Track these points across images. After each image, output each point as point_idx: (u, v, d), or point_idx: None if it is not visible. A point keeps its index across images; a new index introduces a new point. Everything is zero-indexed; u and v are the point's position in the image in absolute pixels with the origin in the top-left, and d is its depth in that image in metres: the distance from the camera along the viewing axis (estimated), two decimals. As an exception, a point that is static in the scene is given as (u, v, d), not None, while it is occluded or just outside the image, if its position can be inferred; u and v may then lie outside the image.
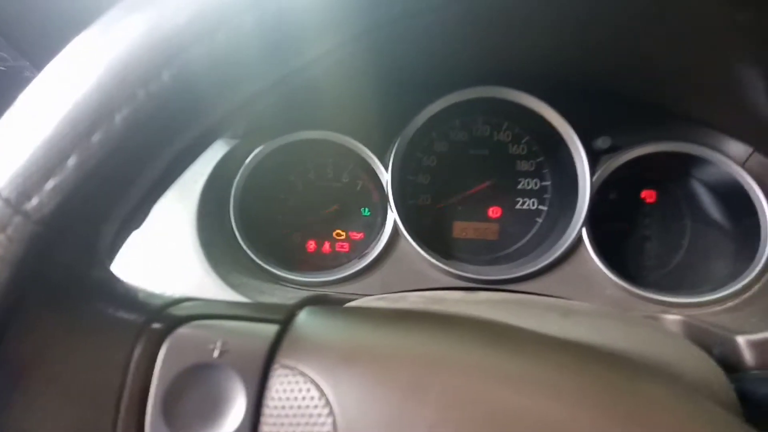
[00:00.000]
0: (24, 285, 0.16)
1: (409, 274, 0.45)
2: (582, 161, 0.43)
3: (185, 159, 0.19)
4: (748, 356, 0.34)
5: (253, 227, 0.46)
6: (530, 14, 0.28)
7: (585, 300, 0.41)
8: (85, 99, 0.15)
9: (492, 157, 0.51)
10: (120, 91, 0.15)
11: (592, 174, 0.43)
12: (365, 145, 0.46)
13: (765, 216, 0.40)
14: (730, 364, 0.34)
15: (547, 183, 0.51)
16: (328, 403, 0.17)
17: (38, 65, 0.56)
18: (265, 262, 0.44)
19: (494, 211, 0.51)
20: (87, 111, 0.15)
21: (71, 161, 0.15)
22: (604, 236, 0.48)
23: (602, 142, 0.43)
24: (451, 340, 0.22)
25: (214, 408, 0.17)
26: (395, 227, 0.45)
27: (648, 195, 0.49)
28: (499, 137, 0.51)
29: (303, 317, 0.20)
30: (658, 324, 0.37)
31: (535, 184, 0.51)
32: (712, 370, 0.30)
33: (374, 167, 0.46)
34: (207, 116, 0.17)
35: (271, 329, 0.19)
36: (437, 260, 0.44)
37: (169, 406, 0.17)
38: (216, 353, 0.18)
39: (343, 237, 0.51)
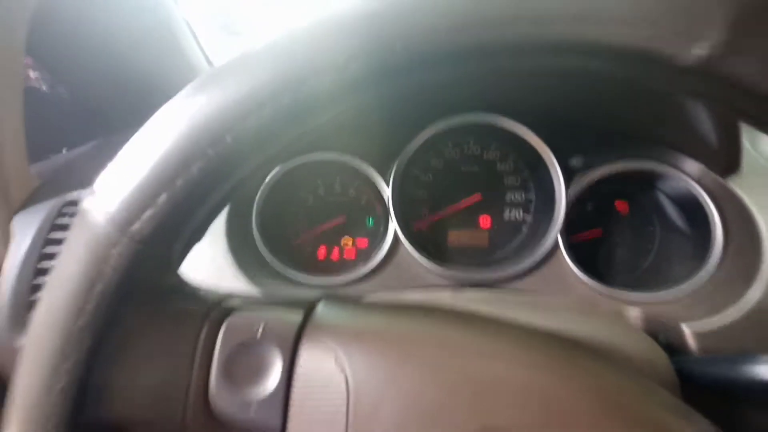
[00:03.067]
0: (128, 286, 0.22)
1: (407, 277, 0.51)
2: (558, 178, 0.50)
3: (232, 192, 0.26)
4: (692, 343, 0.41)
5: (272, 237, 0.53)
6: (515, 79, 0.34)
7: (560, 297, 0.48)
8: (173, 153, 0.22)
9: (482, 173, 0.57)
10: (197, 150, 0.21)
11: (567, 189, 0.50)
12: (369, 164, 0.53)
13: (716, 225, 0.46)
14: (676, 349, 0.41)
15: (531, 196, 0.57)
16: (342, 366, 0.24)
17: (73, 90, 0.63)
18: (281, 268, 0.51)
19: (484, 221, 0.58)
20: (174, 162, 0.22)
21: (162, 198, 0.22)
22: (581, 242, 0.54)
23: (576, 162, 0.50)
24: (441, 324, 0.29)
25: (259, 371, 0.24)
26: (395, 236, 0.52)
27: (621, 205, 0.56)
28: (488, 156, 0.57)
29: (321, 306, 0.27)
30: (616, 316, 0.43)
31: (521, 197, 0.57)
32: (656, 353, 0.36)
33: (377, 183, 0.53)
34: (251, 163, 0.24)
35: (299, 314, 0.25)
36: (433, 265, 0.50)
37: (227, 371, 0.24)
38: (259, 333, 0.24)
39: (350, 245, 0.58)
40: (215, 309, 0.25)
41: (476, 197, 0.57)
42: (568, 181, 0.50)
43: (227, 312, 0.25)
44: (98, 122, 0.63)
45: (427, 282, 0.51)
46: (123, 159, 0.23)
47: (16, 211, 0.46)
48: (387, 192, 0.52)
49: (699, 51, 0.18)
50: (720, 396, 0.36)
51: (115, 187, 0.22)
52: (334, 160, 0.53)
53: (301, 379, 0.24)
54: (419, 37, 0.20)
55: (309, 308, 0.26)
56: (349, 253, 0.58)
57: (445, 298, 0.43)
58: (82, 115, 0.62)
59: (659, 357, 0.36)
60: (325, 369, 0.24)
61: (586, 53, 0.20)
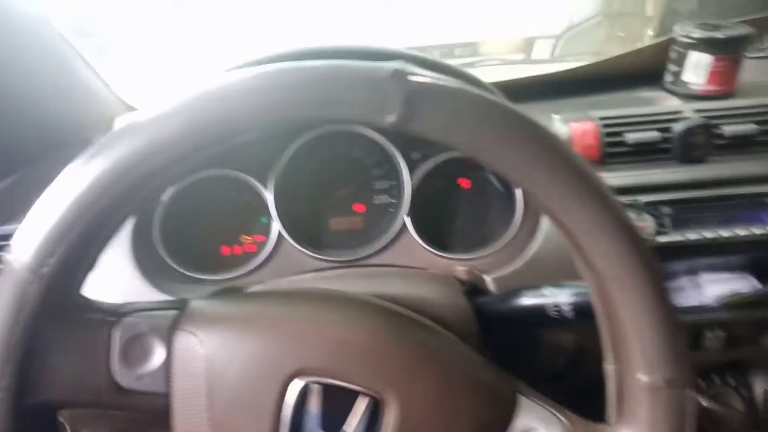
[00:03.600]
0: (45, 309, 0.33)
1: (294, 264, 0.63)
2: (404, 168, 0.63)
3: (118, 227, 0.37)
4: (492, 287, 0.55)
5: (177, 246, 0.64)
6: None
7: (411, 265, 0.61)
8: (67, 213, 0.32)
9: (352, 169, 0.69)
10: (84, 208, 0.32)
11: (411, 176, 0.63)
12: (250, 175, 0.64)
13: (517, 197, 0.61)
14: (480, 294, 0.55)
15: (395, 182, 0.69)
16: (202, 343, 0.35)
17: None
18: (186, 271, 0.62)
19: (358, 207, 0.70)
20: (68, 219, 0.32)
21: (61, 248, 0.32)
22: (431, 217, 0.67)
23: (414, 155, 0.63)
24: (279, 300, 0.41)
25: (148, 356, 0.36)
26: (279, 232, 0.64)
27: (464, 183, 0.69)
28: (355, 155, 0.69)
29: (192, 302, 0.39)
30: (443, 276, 0.57)
31: (387, 184, 0.70)
32: (457, 298, 0.50)
33: (261, 191, 0.64)
34: (127, 211, 0.35)
35: (173, 311, 0.37)
36: (310, 251, 0.63)
37: (124, 358, 0.35)
38: (146, 328, 0.36)
39: (249, 241, 0.69)
40: (112, 316, 0.36)
41: (348, 189, 0.69)
42: (411, 170, 0.63)
43: (122, 317, 0.37)
44: (12, 157, 0.71)
45: (310, 267, 0.63)
46: (31, 218, 0.33)
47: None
48: (268, 196, 0.63)
49: (390, 119, 0.31)
50: (509, 321, 0.51)
51: (26, 242, 0.33)
52: (224, 175, 0.64)
53: (177, 357, 0.36)
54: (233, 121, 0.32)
55: (181, 306, 0.38)
56: (250, 248, 0.69)
57: (308, 279, 0.56)
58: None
59: (459, 300, 0.49)
60: (191, 348, 0.36)
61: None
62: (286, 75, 0.31)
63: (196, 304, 0.39)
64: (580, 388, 0.47)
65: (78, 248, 0.33)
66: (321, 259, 0.63)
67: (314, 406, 0.35)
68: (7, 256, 0.33)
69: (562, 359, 0.56)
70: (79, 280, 0.36)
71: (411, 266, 0.62)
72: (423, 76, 0.31)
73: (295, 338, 0.37)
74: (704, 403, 0.62)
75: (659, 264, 0.33)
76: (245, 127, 0.32)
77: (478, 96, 0.32)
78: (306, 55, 0.52)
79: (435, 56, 0.82)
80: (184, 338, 0.36)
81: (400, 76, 0.30)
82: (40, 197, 0.33)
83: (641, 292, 0.32)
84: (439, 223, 0.68)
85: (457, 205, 0.69)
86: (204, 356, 0.36)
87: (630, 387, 0.34)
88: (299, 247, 0.63)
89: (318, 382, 0.35)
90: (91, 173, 0.32)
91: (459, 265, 0.60)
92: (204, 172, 0.64)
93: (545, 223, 0.59)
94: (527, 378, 0.41)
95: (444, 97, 0.31)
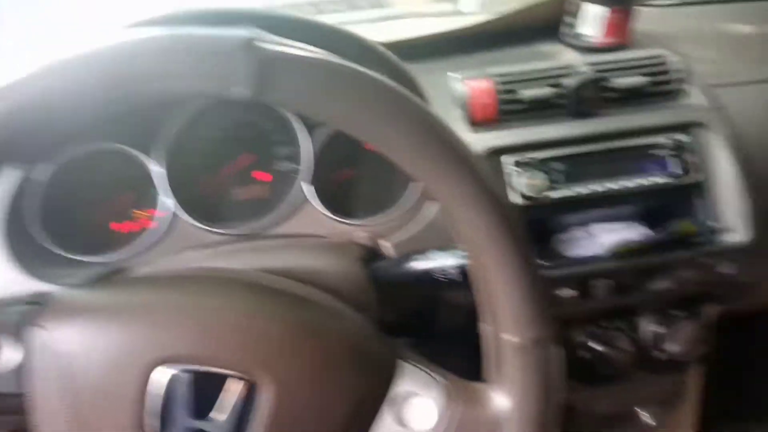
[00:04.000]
0: None
1: (191, 239, 0.61)
2: (301, 133, 0.61)
3: None
4: (391, 253, 0.55)
5: (60, 228, 0.60)
6: None
7: (313, 234, 0.60)
8: None
9: (250, 133, 0.66)
10: None
11: (312, 141, 0.61)
12: (136, 149, 0.60)
13: None
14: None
15: (298, 148, 0.67)
16: (59, 337, 0.34)
17: None
18: (69, 252, 0.58)
19: (261, 175, 0.67)
20: None
21: None
22: (334, 182, 0.66)
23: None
24: (160, 287, 0.39)
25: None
26: (173, 210, 0.61)
27: (367, 145, 0.68)
28: (252, 118, 0.66)
29: (55, 295, 0.37)
30: (331, 244, 0.56)
31: (289, 151, 0.67)
32: (353, 266, 0.50)
33: (147, 163, 0.60)
34: None
35: (25, 308, 0.35)
36: (206, 225, 0.60)
37: None
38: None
39: (144, 215, 0.66)
40: None
41: (247, 156, 0.66)
42: (312, 134, 0.61)
43: None
44: None
45: (209, 241, 0.61)
46: None
47: None
48: (155, 169, 0.60)
49: (241, 91, 0.29)
50: (403, 286, 0.51)
51: None
52: (108, 150, 0.60)
53: (32, 355, 0.34)
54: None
55: (38, 300, 0.36)
56: (145, 223, 0.66)
57: (200, 258, 0.54)
58: None
59: (354, 270, 0.49)
60: (46, 344, 0.34)
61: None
62: (126, 48, 0.29)
63: (58, 296, 0.37)
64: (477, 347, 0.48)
65: None
66: (218, 233, 0.61)
67: (182, 394, 0.34)
68: None
69: (460, 320, 0.57)
70: None
71: (313, 235, 0.61)
72: (275, 44, 0.29)
73: (158, 326, 0.36)
74: (596, 347, 0.66)
75: (523, 231, 0.34)
76: (88, 106, 0.29)
77: (335, 64, 0.30)
78: (158, 22, 0.49)
79: (311, 13, 0.79)
80: (37, 335, 0.34)
81: (250, 44, 0.28)
82: None
83: (506, 259, 0.33)
84: (342, 188, 0.67)
85: (360, 169, 0.68)
86: (62, 352, 0.34)
87: (502, 347, 0.35)
88: (195, 222, 0.60)
89: (186, 370, 0.34)
90: None
91: (361, 231, 0.59)
92: (85, 147, 0.59)
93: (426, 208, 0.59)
94: (428, 341, 0.41)
95: (297, 66, 0.29)
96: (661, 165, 0.65)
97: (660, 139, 0.65)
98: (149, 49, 0.29)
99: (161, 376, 0.34)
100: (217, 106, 0.63)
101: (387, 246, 0.56)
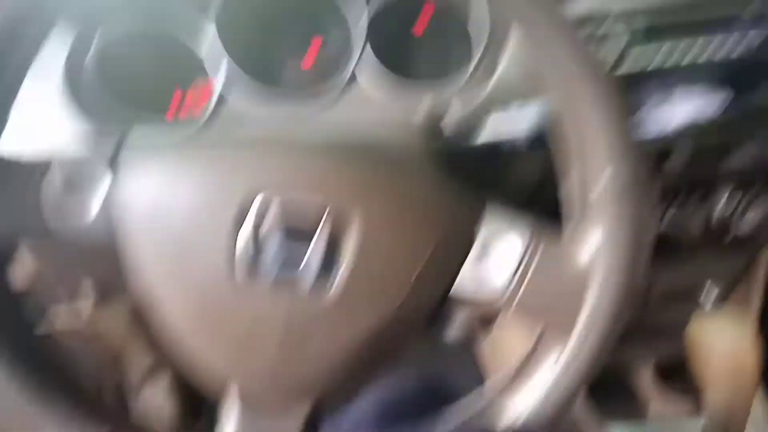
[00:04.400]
0: None
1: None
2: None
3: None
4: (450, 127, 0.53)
5: (121, 91, 0.59)
6: None
7: (375, 100, 0.57)
8: None
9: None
10: None
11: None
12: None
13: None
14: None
15: (356, 11, 0.63)
16: (151, 171, 0.36)
17: None
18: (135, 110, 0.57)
19: (316, 41, 0.65)
20: None
21: None
22: (393, 48, 0.62)
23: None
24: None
25: (89, 190, 0.37)
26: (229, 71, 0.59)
27: (425, 14, 0.63)
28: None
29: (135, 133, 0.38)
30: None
31: (346, 15, 0.63)
32: (414, 135, 0.48)
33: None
34: None
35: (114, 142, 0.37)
36: (264, 90, 0.58)
37: (65, 191, 0.36)
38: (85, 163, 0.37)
39: (201, 84, 0.65)
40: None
41: (303, 23, 0.63)
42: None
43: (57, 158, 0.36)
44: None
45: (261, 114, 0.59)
46: None
47: None
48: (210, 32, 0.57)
49: None
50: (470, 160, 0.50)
51: None
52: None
53: (121, 189, 0.36)
54: None
55: (121, 136, 0.37)
56: (205, 95, 0.65)
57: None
58: None
59: (414, 137, 0.48)
60: (137, 178, 0.36)
61: None
62: None
63: (139, 134, 0.38)
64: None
65: None
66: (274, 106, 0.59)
67: (276, 219, 0.35)
68: None
69: (527, 188, 0.56)
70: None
71: (373, 101, 0.58)
72: None
73: (251, 157, 0.37)
74: (667, 220, 0.64)
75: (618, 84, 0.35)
76: None
77: None
78: None
79: None
80: (128, 169, 0.36)
81: None
82: None
83: (601, 94, 0.34)
84: (403, 51, 0.64)
85: (417, 38, 0.64)
86: (153, 184, 0.36)
87: (594, 188, 0.35)
88: (253, 89, 0.59)
89: (278, 196, 0.36)
90: None
91: (423, 95, 0.56)
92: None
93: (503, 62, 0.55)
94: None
95: None
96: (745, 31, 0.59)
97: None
98: None
99: (256, 204, 0.36)
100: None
101: (448, 120, 0.53)
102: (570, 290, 0.36)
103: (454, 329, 0.78)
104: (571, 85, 0.34)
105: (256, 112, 0.58)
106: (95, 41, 0.56)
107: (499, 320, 0.84)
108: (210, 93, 0.62)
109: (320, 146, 0.39)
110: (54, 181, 0.36)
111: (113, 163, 0.37)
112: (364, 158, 0.39)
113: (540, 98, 0.50)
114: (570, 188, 0.38)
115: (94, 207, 0.36)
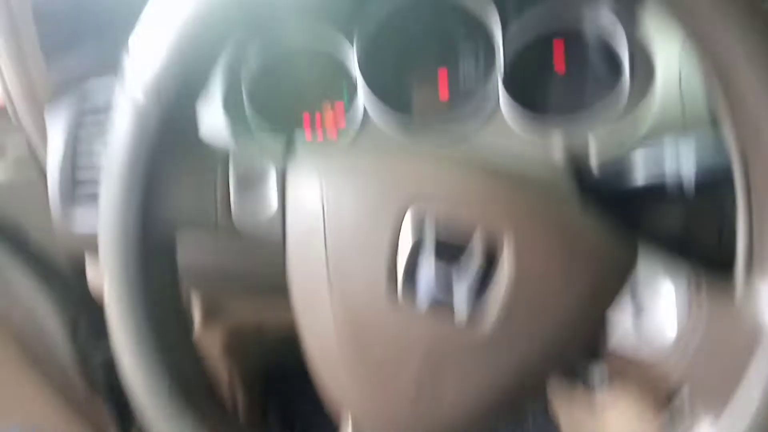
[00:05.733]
0: (165, 141, 0.33)
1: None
2: (497, 30, 0.58)
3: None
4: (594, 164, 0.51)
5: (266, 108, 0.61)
6: None
7: (508, 139, 0.57)
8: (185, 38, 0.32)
9: (440, 37, 0.64)
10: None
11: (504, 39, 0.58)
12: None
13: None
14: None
15: (491, 51, 0.63)
16: (317, 178, 0.35)
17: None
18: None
19: (449, 77, 0.66)
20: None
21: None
22: (527, 87, 0.62)
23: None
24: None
25: (261, 188, 0.37)
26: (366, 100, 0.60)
27: (558, 48, 0.63)
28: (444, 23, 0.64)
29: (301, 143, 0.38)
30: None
31: (481, 54, 0.64)
32: (555, 170, 0.46)
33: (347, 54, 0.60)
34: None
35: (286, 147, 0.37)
36: (398, 125, 0.59)
37: (239, 186, 0.37)
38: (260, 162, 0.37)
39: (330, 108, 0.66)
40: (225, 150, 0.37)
41: (436, 59, 0.64)
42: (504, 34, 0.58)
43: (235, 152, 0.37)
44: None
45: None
46: (146, 46, 0.32)
47: (45, 105, 0.54)
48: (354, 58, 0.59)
49: None
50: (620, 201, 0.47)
51: (140, 77, 0.32)
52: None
53: (291, 192, 0.36)
54: None
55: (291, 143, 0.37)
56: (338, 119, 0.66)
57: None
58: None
59: (556, 172, 0.45)
60: (306, 183, 0.35)
61: None
62: None
63: (305, 143, 0.38)
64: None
65: (188, 77, 0.32)
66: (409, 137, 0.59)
67: (431, 234, 0.34)
68: (123, 93, 0.32)
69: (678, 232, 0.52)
70: (191, 114, 0.36)
71: (515, 135, 0.58)
72: None
73: (410, 170, 0.36)
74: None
75: None
76: None
77: None
78: None
79: None
80: (298, 172, 0.36)
81: None
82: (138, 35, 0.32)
83: None
84: (537, 89, 0.63)
85: (555, 71, 0.64)
86: (319, 191, 0.35)
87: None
88: (387, 120, 0.60)
89: (435, 211, 0.34)
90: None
91: (559, 134, 0.55)
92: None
93: (657, 91, 0.52)
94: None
95: None
96: None
97: None
98: None
99: (411, 215, 0.34)
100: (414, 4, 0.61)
101: (592, 158, 0.50)
102: (735, 355, 0.32)
103: (594, 378, 0.72)
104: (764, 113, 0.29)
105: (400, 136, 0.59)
106: (255, 54, 0.59)
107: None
108: (343, 114, 0.64)
109: (472, 164, 0.38)
110: (231, 177, 0.37)
111: (284, 166, 0.37)
112: (516, 184, 0.37)
113: (704, 130, 0.47)
114: (748, 235, 0.34)
115: (270, 207, 0.37)
